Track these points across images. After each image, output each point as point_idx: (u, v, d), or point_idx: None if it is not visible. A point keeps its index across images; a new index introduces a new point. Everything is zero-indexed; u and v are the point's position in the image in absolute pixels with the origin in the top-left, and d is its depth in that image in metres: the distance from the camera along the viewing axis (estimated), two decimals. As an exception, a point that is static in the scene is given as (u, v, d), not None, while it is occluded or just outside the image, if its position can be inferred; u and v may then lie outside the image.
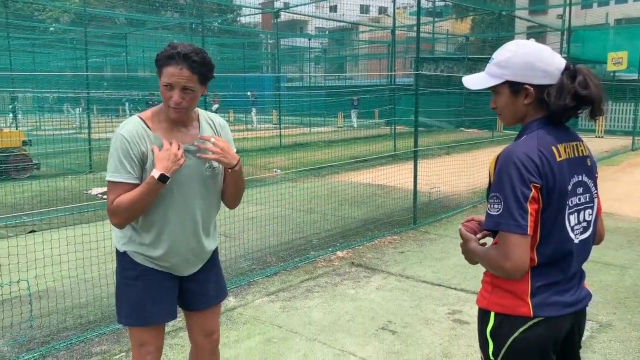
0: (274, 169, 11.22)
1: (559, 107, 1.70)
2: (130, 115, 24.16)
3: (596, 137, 18.96)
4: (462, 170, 9.38)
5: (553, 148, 1.70)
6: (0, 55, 21.52)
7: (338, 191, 8.41)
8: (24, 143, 11.31)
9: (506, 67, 1.76)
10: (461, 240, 1.90)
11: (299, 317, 4.14)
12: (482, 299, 1.84)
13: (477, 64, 23.15)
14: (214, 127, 2.34)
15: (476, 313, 4.07)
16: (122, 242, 2.27)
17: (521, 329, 1.71)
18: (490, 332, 1.77)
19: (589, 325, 3.86)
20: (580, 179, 1.75)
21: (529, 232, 1.63)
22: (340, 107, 24.56)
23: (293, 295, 4.57)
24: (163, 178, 2.07)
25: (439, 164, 9.49)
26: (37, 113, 23.55)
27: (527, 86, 1.74)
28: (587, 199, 1.79)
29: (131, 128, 2.15)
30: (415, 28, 7.34)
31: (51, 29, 29.90)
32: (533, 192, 1.64)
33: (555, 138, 1.73)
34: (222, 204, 2.46)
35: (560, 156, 1.70)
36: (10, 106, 18.55)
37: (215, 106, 25.42)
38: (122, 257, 2.28)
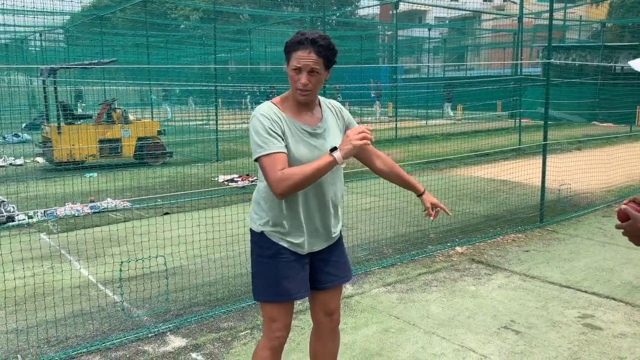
0: (390, 161, 11.16)
1: None
2: (252, 108, 25.30)
3: None
4: (595, 167, 8.68)
5: None
6: (138, 52, 23.52)
7: (457, 185, 8.17)
8: (159, 132, 12.26)
9: None
10: (619, 222, 1.78)
11: (416, 309, 4.10)
12: None
13: (615, 52, 21.26)
14: (334, 111, 2.45)
15: (610, 319, 3.76)
16: (258, 222, 2.38)
17: None
18: None
19: None
20: None
21: None
22: (459, 99, 23.79)
23: (410, 288, 4.53)
24: (336, 157, 2.14)
25: (569, 160, 8.88)
26: (170, 104, 25.45)
27: None
28: None
29: (267, 109, 2.26)
30: (544, 15, 6.88)
31: (182, 26, 32.09)
32: None
33: None
34: None
35: None
36: (154, 97, 20.18)
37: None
38: (259, 237, 2.38)
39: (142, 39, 19.73)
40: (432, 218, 2.68)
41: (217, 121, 13.12)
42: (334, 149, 2.16)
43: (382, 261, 5.17)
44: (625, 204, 1.80)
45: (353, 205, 6.78)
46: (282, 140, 2.22)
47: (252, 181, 9.17)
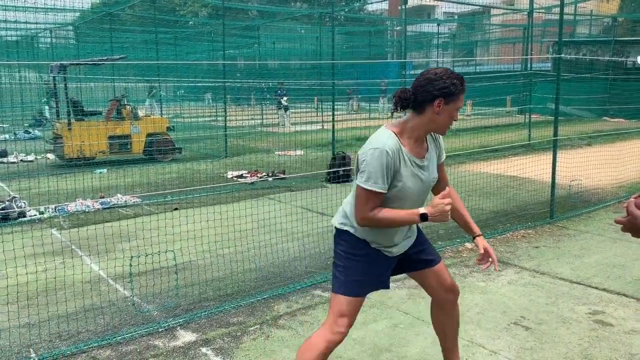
0: (399, 157, 11.13)
1: None
2: (258, 104, 25.11)
3: None
4: (606, 163, 8.61)
5: None
6: (147, 48, 23.59)
7: (466, 181, 8.13)
8: (168, 129, 12.31)
9: None
10: (627, 216, 1.73)
11: (425, 304, 4.08)
12: None
13: (626, 47, 21.05)
14: (435, 138, 2.64)
15: (621, 315, 3.75)
16: (349, 224, 2.55)
17: None
18: None
19: None
20: None
21: None
22: (470, 94, 23.66)
23: (419, 283, 4.52)
24: (424, 218, 2.37)
25: (580, 156, 8.81)
26: (178, 101, 25.53)
27: None
28: None
29: (392, 145, 2.39)
30: (554, 9, 6.83)
31: (190, 22, 32.13)
32: None
33: None
34: None
35: None
36: (149, 94, 20.24)
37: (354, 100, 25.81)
38: (350, 236, 2.55)
39: (151, 35, 19.78)
40: (483, 267, 2.68)
41: (225, 117, 13.15)
42: (424, 215, 2.36)
43: (391, 257, 5.16)
44: (635, 197, 1.78)
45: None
46: (388, 180, 2.39)
47: (260, 177, 9.19)
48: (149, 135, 11.75)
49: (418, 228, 2.79)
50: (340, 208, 2.65)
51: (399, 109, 2.44)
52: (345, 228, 2.55)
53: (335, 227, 2.61)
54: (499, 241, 5.67)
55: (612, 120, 19.57)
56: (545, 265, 4.94)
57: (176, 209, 7.12)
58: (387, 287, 2.66)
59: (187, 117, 21.72)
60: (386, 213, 2.38)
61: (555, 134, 6.54)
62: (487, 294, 4.28)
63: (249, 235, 5.51)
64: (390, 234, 2.54)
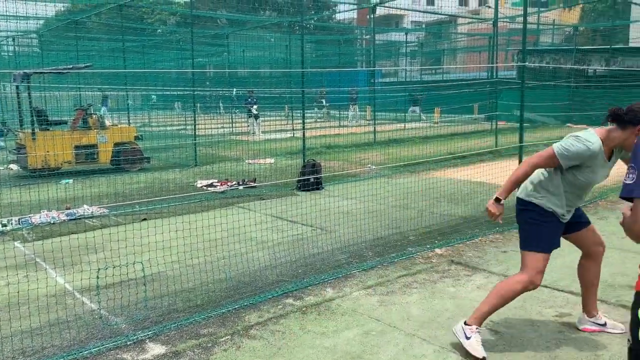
0: (368, 165, 11.22)
1: None
2: (226, 113, 24.93)
3: None
4: (570, 168, 8.83)
5: None
6: (114, 56, 23.26)
7: (435, 188, 8.24)
8: (136, 138, 12.13)
9: None
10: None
11: (397, 311, 4.11)
12: (638, 283, 1.92)
13: (587, 56, 21.68)
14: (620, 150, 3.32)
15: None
16: (539, 197, 3.35)
17: None
18: None
19: None
20: None
21: None
22: (435, 102, 24.01)
23: (391, 290, 4.55)
24: (497, 201, 3.35)
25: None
26: (147, 110, 25.22)
27: None
28: None
29: (596, 148, 3.14)
30: (519, 19, 7.00)
31: (159, 30, 31.81)
32: None
33: None
34: None
35: None
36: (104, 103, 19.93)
37: (324, 102, 25.84)
38: (535, 206, 3.34)
39: (118, 43, 19.50)
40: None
41: (195, 126, 13.03)
42: (498, 199, 3.36)
43: (362, 264, 5.19)
44: None
45: (332, 208, 6.80)
46: (572, 164, 3.22)
47: (230, 186, 9.12)
48: (116, 144, 11.56)
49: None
50: (524, 184, 3.42)
51: (608, 120, 3.15)
52: (536, 201, 3.32)
53: (522, 199, 3.41)
54: (468, 246, 5.75)
55: (575, 126, 20.10)
56: (513, 269, 5.02)
57: (144, 219, 7.01)
58: (559, 246, 3.43)
59: (156, 126, 21.45)
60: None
61: (521, 140, 6.69)
62: (457, 299, 4.33)
63: (219, 245, 5.45)
64: (567, 206, 3.33)
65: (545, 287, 4.57)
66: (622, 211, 1.99)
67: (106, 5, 16.88)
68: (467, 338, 3.38)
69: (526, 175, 3.30)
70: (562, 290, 4.49)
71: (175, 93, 23.21)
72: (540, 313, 4.05)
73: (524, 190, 3.43)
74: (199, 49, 26.55)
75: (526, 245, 3.38)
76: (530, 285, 3.34)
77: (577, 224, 3.53)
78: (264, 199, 8.24)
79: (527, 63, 6.88)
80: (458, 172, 9.91)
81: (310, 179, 8.69)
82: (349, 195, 8.04)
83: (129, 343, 3.63)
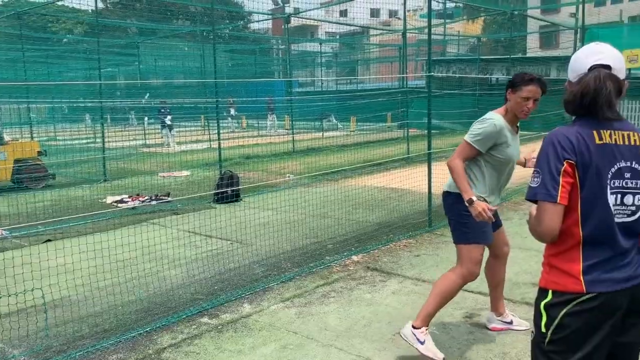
0: (287, 175, 11.21)
1: (565, 101, 1.99)
2: (139, 124, 24.15)
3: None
4: (477, 172, 9.26)
5: (594, 132, 1.90)
6: (15, 67, 21.82)
7: (352, 195, 8.36)
8: (39, 153, 11.41)
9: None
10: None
11: (314, 322, 4.10)
12: (541, 279, 2.02)
13: (490, 65, 22.97)
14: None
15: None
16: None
17: (574, 303, 1.87)
18: (545, 305, 1.94)
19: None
20: (628, 164, 1.89)
21: (559, 201, 1.85)
22: (353, 111, 24.49)
23: (309, 301, 4.53)
24: (470, 203, 3.19)
25: (453, 166, 9.38)
26: (52, 123, 23.82)
27: (567, 82, 2.06)
28: (635, 185, 1.91)
29: (501, 122, 3.33)
30: (426, 30, 7.29)
31: (65, 40, 30.25)
32: (566, 167, 1.86)
33: (599, 124, 1.91)
34: None
35: (600, 139, 1.89)
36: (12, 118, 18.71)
37: (233, 111, 25.52)
38: (458, 198, 3.33)
39: (17, 53, 18.29)
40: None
41: (103, 139, 12.45)
42: (471, 201, 3.20)
43: (280, 276, 5.14)
44: None
45: (250, 220, 6.70)
46: (489, 145, 3.34)
47: (142, 201, 8.78)
48: (17, 161, 10.80)
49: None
50: (449, 179, 3.48)
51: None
52: (458, 191, 3.32)
53: (450, 192, 3.49)
54: (383, 252, 5.86)
55: (481, 132, 21.16)
56: (426, 272, 5.17)
57: (49, 240, 6.59)
58: (492, 239, 3.54)
59: (62, 140, 20.29)
60: (459, 169, 3.33)
61: (429, 147, 6.93)
62: (373, 306, 4.39)
63: (129, 265, 5.21)
64: (488, 192, 3.43)
65: (456, 289, 4.73)
66: (530, 212, 2.08)
67: (3, 12, 15.83)
68: (422, 342, 3.39)
69: (462, 167, 3.34)
70: (471, 292, 4.66)
71: (83, 105, 22.11)
72: (451, 315, 4.18)
73: (450, 184, 3.52)
74: (108, 58, 25.48)
75: (460, 238, 3.46)
76: (471, 277, 3.45)
77: (493, 225, 3.62)
78: (178, 214, 7.99)
79: (434, 73, 7.16)
80: (373, 179, 10.13)
81: (228, 191, 8.54)
82: (268, 206, 7.97)
83: (27, 377, 3.36)
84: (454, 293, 3.47)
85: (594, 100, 1.89)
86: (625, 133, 1.92)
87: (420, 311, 3.48)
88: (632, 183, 1.90)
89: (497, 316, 3.89)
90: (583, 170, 1.85)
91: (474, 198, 3.17)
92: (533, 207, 2.06)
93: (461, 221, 3.42)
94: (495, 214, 3.58)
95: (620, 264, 1.90)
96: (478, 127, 3.32)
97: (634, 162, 1.91)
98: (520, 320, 3.91)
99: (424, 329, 3.44)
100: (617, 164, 1.88)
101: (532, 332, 2.02)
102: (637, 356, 2.02)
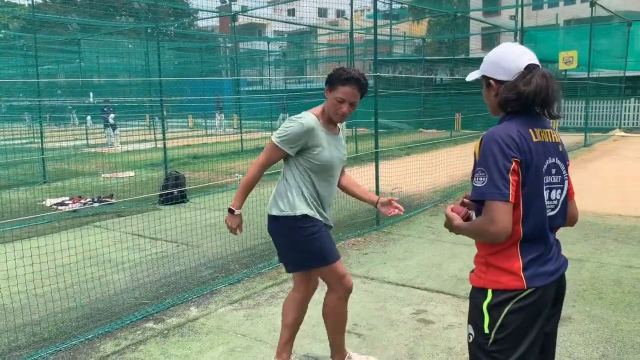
0: (235, 174, 11.08)
1: (503, 99, 1.96)
2: (81, 123, 23.31)
3: (550, 134, 19.45)
4: (423, 170, 9.47)
5: (530, 130, 1.93)
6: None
7: (300, 194, 8.34)
8: (-28, 154, 10.84)
9: (484, 63, 2.07)
10: (448, 221, 2.08)
11: (263, 324, 4.07)
12: (477, 279, 2.01)
13: (435, 65, 23.50)
14: (341, 125, 3.17)
15: (440, 312, 4.08)
16: (301, 205, 2.99)
17: (515, 300, 1.89)
18: (487, 306, 1.93)
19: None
20: (553, 161, 1.97)
21: (510, 200, 1.83)
22: (302, 110, 24.46)
23: (257, 303, 4.49)
24: (231, 211, 3.08)
25: (400, 165, 9.56)
26: (-14, 123, 22.67)
27: (491, 80, 2.03)
28: (559, 180, 1.99)
29: (310, 122, 2.93)
30: (372, 31, 7.37)
31: (0, 35, 28.83)
32: (514, 165, 1.85)
33: (532, 123, 1.95)
34: None
35: (536, 137, 1.92)
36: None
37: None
38: (299, 220, 2.98)
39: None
40: (400, 213, 3.28)
41: (42, 139, 11.94)
42: (231, 210, 3.08)
43: (228, 278, 5.08)
44: (452, 208, 2.11)
45: (197, 222, 6.59)
46: (298, 147, 2.94)
47: (84, 203, 8.48)
48: (-54, 162, 10.22)
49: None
50: (270, 199, 3.15)
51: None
52: (293, 213, 2.99)
53: (275, 216, 3.08)
54: (332, 252, 5.87)
55: (426, 131, 21.67)
56: (373, 270, 5.23)
57: (-18, 246, 6.24)
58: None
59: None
60: (256, 173, 3.06)
61: (376, 146, 7.02)
62: (321, 305, 4.38)
63: (71, 270, 5.02)
64: (321, 204, 3.07)
65: (404, 285, 4.82)
66: (447, 212, 2.04)
67: None
68: None
69: (255, 178, 3.03)
70: (418, 288, 4.75)
71: (21, 104, 21.12)
72: (399, 312, 4.24)
73: (272, 205, 3.09)
74: (47, 55, 24.46)
75: (319, 263, 3.04)
76: (348, 293, 3.16)
77: None
78: (122, 216, 7.76)
79: (380, 73, 7.24)
80: (322, 178, 10.14)
81: (174, 192, 8.36)
82: (216, 207, 7.85)
83: (-42, 392, 3.18)
84: (345, 316, 3.21)
85: (546, 98, 1.91)
86: (548, 131, 1.99)
87: (331, 347, 3.27)
88: (556, 178, 1.97)
89: None
90: (525, 168, 1.87)
91: (235, 210, 3.04)
92: (448, 208, 2.05)
93: (313, 245, 2.99)
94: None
95: (549, 257, 1.97)
96: (284, 127, 2.93)
97: (556, 158, 1.98)
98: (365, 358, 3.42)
99: (348, 356, 3.30)
100: (547, 161, 1.94)
101: (470, 334, 1.99)
102: (555, 344, 2.12)
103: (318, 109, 3.04)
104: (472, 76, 2.17)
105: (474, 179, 1.90)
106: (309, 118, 2.94)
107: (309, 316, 4.17)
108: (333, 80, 2.92)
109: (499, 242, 1.89)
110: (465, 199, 2.11)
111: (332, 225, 3.22)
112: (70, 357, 3.61)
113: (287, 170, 3.06)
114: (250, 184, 3.06)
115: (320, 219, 3.05)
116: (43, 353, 3.63)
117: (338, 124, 3.11)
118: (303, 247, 3.01)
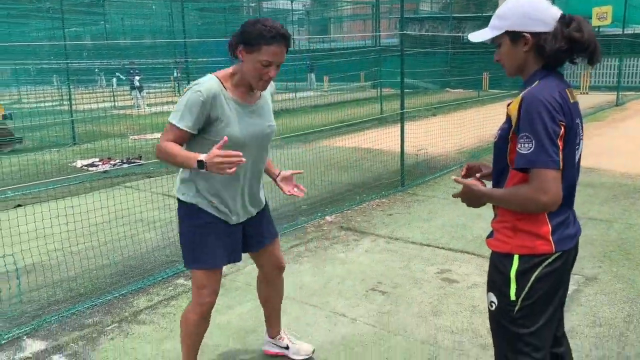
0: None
1: (554, 50, 1.79)
2: (107, 85, 23.46)
3: (581, 93, 18.98)
4: (449, 131, 9.37)
5: (567, 91, 1.84)
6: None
7: (325, 156, 8.37)
8: (4, 117, 11.10)
9: (505, 18, 1.87)
10: (463, 191, 1.97)
11: (290, 281, 4.16)
12: (501, 244, 1.91)
13: (462, 23, 22.89)
14: (269, 89, 2.65)
15: (464, 272, 4.08)
16: (190, 193, 2.49)
17: (544, 265, 1.83)
18: (516, 273, 1.85)
19: (575, 279, 3.93)
20: (577, 121, 1.87)
21: (560, 167, 1.73)
22: (324, 70, 24.25)
23: (283, 261, 4.59)
24: (201, 166, 2.20)
25: (426, 126, 9.47)
26: (17, 86, 23.07)
27: (525, 34, 1.83)
28: (578, 141, 1.91)
29: (210, 88, 2.31)
30: (398, -13, 7.19)
31: (26, -3, 28.92)
32: (562, 130, 1.74)
33: (563, 82, 1.86)
34: None
35: (572, 98, 1.85)
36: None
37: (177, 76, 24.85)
38: (189, 207, 2.49)
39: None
40: (300, 195, 2.80)
41: (70, 101, 12.14)
42: (201, 163, 2.20)
43: (254, 237, 5.17)
44: (459, 178, 2.03)
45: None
46: (201, 121, 2.33)
47: (114, 164, 8.66)
48: (-20, 125, 10.50)
49: (267, 205, 2.82)
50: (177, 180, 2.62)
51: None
52: (183, 198, 2.51)
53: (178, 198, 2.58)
54: (357, 212, 5.94)
55: (453, 91, 21.31)
56: (398, 231, 5.28)
57: (19, 205, 6.48)
58: (239, 259, 2.68)
59: (27, 103, 19.69)
60: (172, 146, 2.30)
61: (402, 107, 6.95)
62: (347, 264, 4.47)
63: (104, 229, 5.18)
64: (225, 191, 2.49)
65: (428, 245, 4.86)
66: (464, 182, 1.94)
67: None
68: None
69: (169, 144, 2.32)
70: (442, 248, 4.79)
71: (50, 67, 21.38)
72: (423, 271, 4.29)
73: (179, 187, 2.55)
74: (73, 17, 24.56)
75: (186, 261, 2.57)
76: (205, 311, 2.59)
77: (258, 237, 2.75)
78: (152, 177, 7.91)
79: (406, 31, 7.11)
80: (346, 140, 10.12)
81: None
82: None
83: (3, 342, 3.36)
84: (193, 331, 2.65)
85: (594, 49, 1.79)
86: (571, 90, 1.89)
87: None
88: (578, 139, 1.90)
89: (269, 338, 3.15)
90: (567, 131, 1.77)
91: (202, 157, 2.18)
92: (459, 178, 1.97)
93: (183, 238, 2.54)
94: (265, 227, 2.76)
95: (571, 220, 1.92)
96: (179, 100, 2.34)
97: (578, 119, 1.89)
98: (301, 348, 3.11)
99: None
100: (576, 121, 1.86)
101: (492, 302, 1.92)
102: (563, 314, 2.09)
103: (226, 71, 2.42)
104: (485, 35, 1.93)
105: (519, 146, 1.73)
106: (207, 84, 2.31)
107: (336, 275, 4.26)
108: (253, 40, 2.28)
109: (550, 211, 1.79)
110: (467, 171, 2.08)
111: (242, 221, 2.61)
112: (106, 311, 3.77)
113: (190, 148, 2.41)
114: (171, 145, 2.31)
115: (216, 214, 2.49)
116: (80, 307, 3.79)
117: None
118: (181, 240, 2.56)
